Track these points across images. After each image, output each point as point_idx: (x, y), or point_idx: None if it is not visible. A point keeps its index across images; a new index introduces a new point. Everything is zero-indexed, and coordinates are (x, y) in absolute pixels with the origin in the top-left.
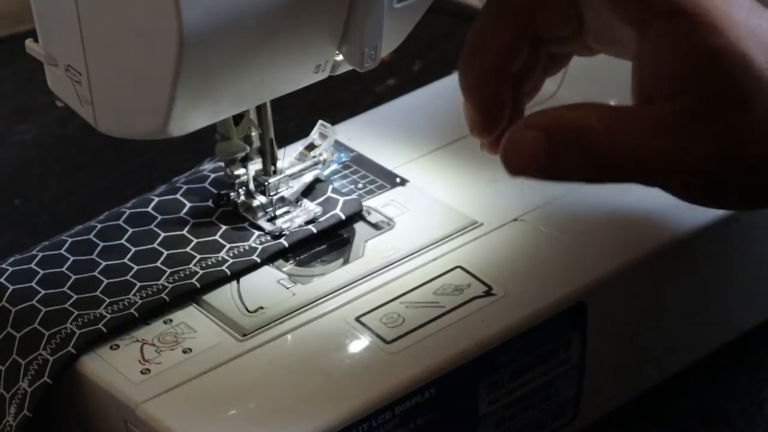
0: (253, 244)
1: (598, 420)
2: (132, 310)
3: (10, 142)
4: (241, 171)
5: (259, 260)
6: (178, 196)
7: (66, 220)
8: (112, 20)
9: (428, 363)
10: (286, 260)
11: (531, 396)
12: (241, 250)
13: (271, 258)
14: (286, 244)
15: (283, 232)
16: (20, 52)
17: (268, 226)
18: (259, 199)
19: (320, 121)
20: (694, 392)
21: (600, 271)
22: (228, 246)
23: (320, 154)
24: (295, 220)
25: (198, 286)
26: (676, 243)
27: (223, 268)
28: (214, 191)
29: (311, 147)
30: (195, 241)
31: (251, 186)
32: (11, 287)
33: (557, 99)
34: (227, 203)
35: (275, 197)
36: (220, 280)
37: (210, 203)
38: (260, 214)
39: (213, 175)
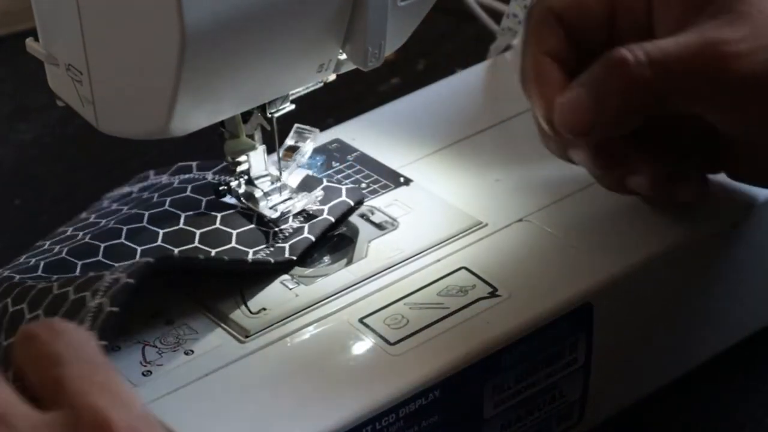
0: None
1: (604, 422)
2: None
3: (10, 142)
4: (242, 158)
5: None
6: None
7: (66, 220)
8: (114, 19)
9: (433, 365)
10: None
11: (536, 398)
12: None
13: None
14: (313, 238)
15: (284, 219)
16: (21, 51)
17: (269, 213)
18: (261, 188)
19: (296, 125)
20: (700, 395)
21: (606, 272)
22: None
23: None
24: (296, 204)
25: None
26: (684, 245)
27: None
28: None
29: (293, 149)
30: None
31: (252, 174)
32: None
33: None
34: (228, 191)
35: (278, 184)
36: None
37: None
38: (262, 202)
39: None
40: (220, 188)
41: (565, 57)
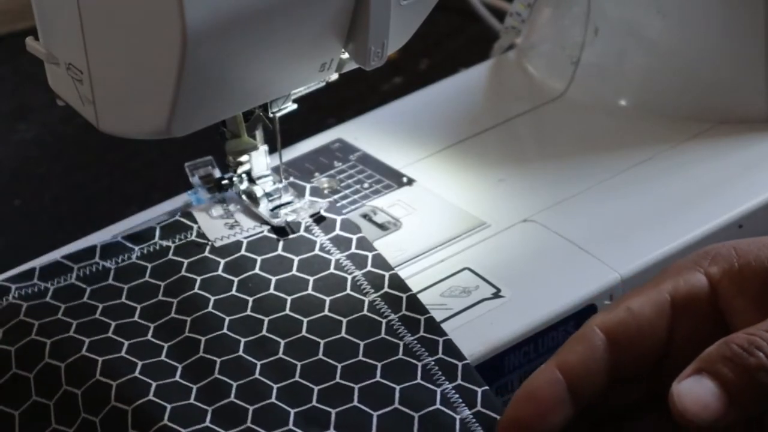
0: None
1: None
2: None
3: (10, 142)
4: (243, 158)
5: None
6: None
7: (66, 221)
8: (115, 18)
9: None
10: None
11: None
12: None
13: None
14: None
15: (287, 222)
16: (21, 50)
17: (270, 217)
18: (262, 187)
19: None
20: None
21: (609, 273)
22: None
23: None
24: (300, 212)
25: None
26: (686, 245)
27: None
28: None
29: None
30: None
31: (254, 173)
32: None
33: (566, 99)
34: (230, 186)
35: (281, 185)
36: None
37: (211, 188)
38: (263, 203)
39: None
40: (223, 182)
41: (583, 382)
